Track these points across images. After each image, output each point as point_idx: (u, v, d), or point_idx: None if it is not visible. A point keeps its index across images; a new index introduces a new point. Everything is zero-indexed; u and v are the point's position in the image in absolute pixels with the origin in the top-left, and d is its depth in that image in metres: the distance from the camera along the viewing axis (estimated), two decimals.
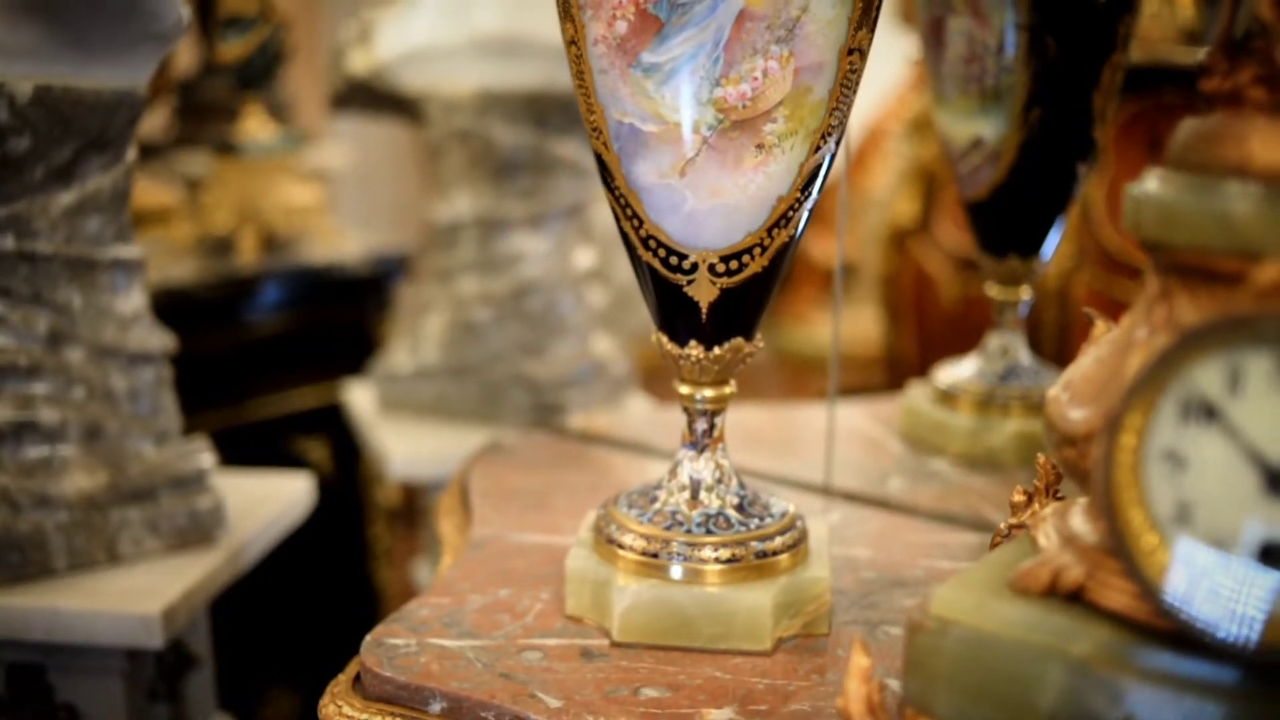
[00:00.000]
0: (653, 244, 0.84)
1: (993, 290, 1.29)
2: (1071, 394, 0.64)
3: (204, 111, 2.51)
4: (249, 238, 2.28)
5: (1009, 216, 1.25)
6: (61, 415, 1.11)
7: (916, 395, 1.34)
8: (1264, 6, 0.59)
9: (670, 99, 0.78)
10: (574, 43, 0.82)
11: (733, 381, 0.89)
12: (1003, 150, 1.20)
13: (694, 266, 0.83)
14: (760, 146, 0.79)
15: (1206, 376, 0.54)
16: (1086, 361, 0.66)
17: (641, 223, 0.83)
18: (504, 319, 1.75)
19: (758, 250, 0.83)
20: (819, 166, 0.82)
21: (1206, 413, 0.55)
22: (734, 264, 0.83)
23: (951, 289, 2.17)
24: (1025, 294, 1.28)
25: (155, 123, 2.57)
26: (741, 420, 1.25)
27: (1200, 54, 0.62)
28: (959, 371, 1.31)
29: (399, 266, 2.48)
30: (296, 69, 2.71)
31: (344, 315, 2.39)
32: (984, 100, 1.19)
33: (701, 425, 0.90)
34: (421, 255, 2.37)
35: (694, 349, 0.86)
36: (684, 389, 0.89)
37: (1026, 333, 1.32)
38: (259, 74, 2.37)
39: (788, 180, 0.81)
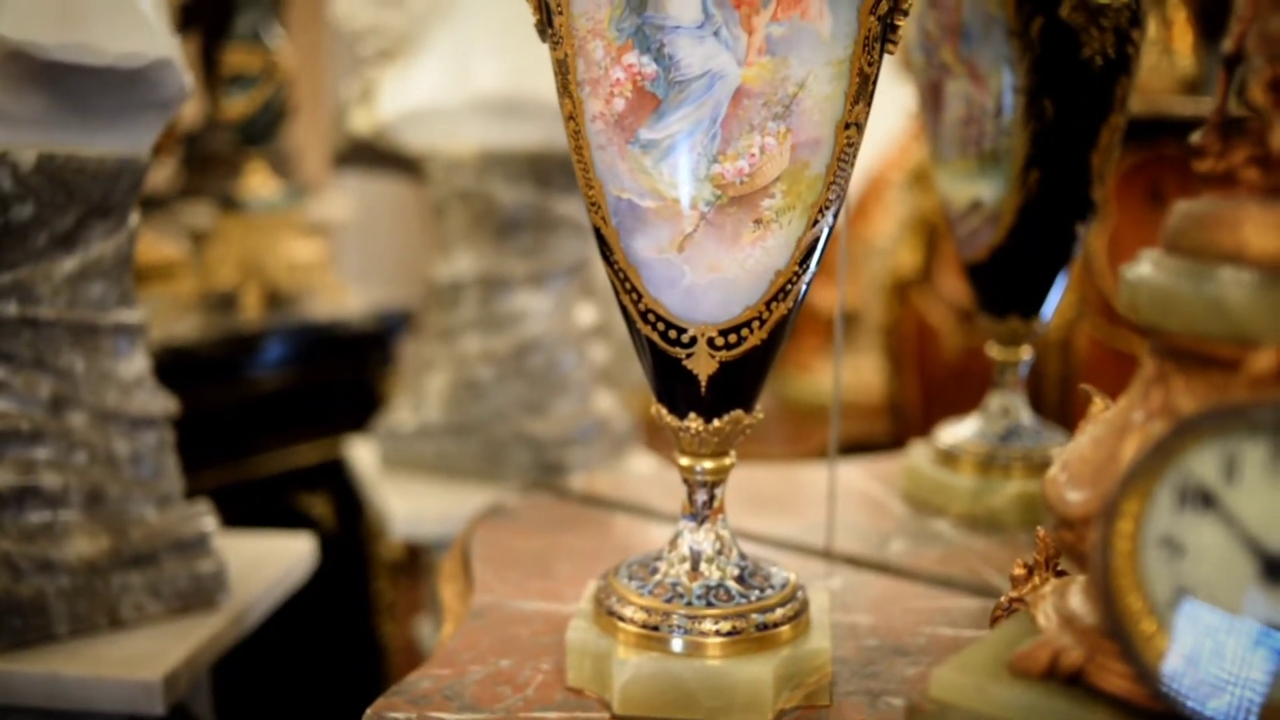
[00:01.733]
0: (651, 318, 0.84)
1: (993, 350, 1.29)
2: (1069, 475, 0.64)
3: (208, 163, 2.53)
4: (252, 294, 2.29)
5: (1009, 278, 1.25)
6: (63, 480, 1.12)
7: (918, 455, 1.34)
8: (1257, 91, 0.59)
9: (668, 175, 0.79)
10: (572, 118, 0.82)
11: (733, 453, 0.89)
12: (1002, 212, 1.20)
13: (693, 340, 0.83)
14: (758, 221, 0.79)
15: (1203, 464, 0.54)
16: (1084, 441, 0.66)
17: (640, 297, 0.84)
18: (506, 377, 1.76)
19: (756, 324, 0.83)
20: (817, 240, 0.83)
21: (1203, 500, 0.55)
22: (733, 337, 0.83)
23: (954, 339, 2.17)
24: (1026, 354, 1.28)
25: (160, 174, 2.58)
26: (744, 480, 1.25)
27: (1199, 104, 0.62)
28: (960, 431, 1.31)
29: (402, 322, 2.48)
30: (300, 122, 2.73)
31: (347, 371, 2.40)
32: (982, 162, 1.20)
33: (701, 496, 0.90)
34: (424, 312, 2.37)
35: (693, 421, 0.86)
36: (684, 460, 0.89)
37: (1028, 386, 1.32)
38: (262, 131, 2.39)
39: (785, 254, 0.81)
